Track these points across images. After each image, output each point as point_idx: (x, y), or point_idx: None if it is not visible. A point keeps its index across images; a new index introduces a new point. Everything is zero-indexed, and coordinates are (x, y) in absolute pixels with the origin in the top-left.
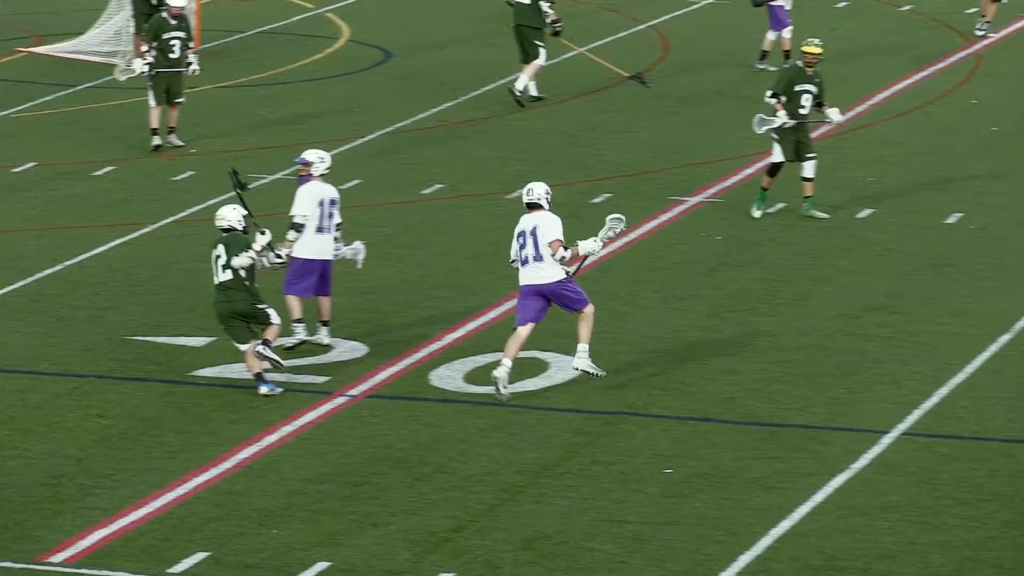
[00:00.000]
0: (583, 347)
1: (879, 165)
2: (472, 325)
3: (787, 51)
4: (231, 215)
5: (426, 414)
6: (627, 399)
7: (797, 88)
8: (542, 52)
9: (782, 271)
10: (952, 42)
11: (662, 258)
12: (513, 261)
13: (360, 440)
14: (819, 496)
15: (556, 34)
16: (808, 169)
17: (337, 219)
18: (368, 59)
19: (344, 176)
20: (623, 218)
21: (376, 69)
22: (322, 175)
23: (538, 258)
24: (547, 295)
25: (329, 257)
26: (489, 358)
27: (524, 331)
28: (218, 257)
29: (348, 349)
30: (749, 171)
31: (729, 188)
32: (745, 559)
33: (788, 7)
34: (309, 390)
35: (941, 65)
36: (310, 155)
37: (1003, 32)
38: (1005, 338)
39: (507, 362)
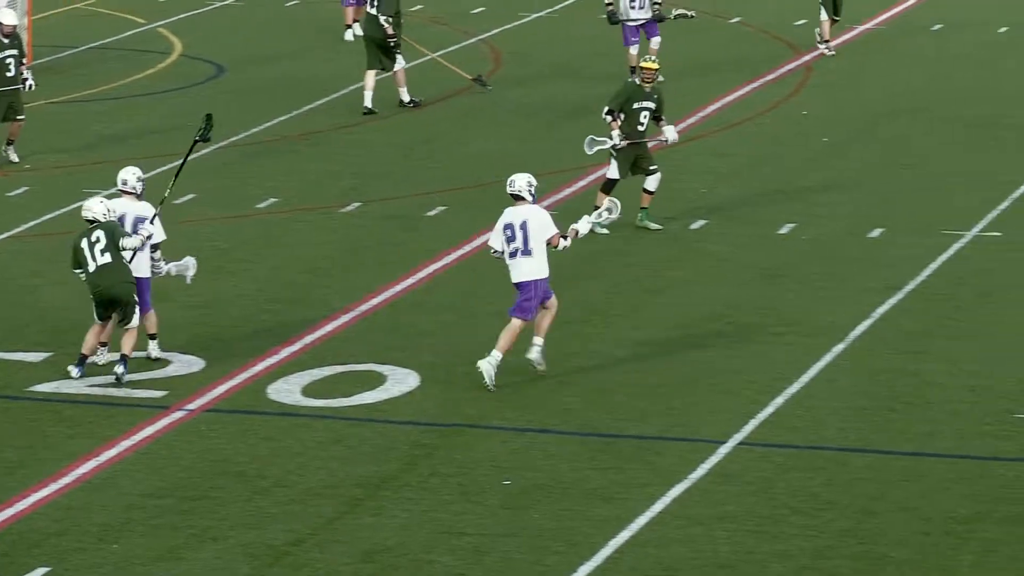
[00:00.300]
0: (540, 340)
1: (711, 177)
2: (309, 339)
3: (632, 67)
4: (97, 207)
5: (264, 428)
6: (465, 411)
7: (636, 106)
8: (399, 59)
9: (616, 283)
10: (782, 54)
11: (497, 270)
12: (496, 253)
13: (198, 454)
14: (657, 506)
15: (392, 48)
16: (651, 183)
17: (153, 235)
18: (201, 73)
19: (178, 191)
20: (618, 203)
21: (209, 83)
22: (129, 193)
23: (527, 252)
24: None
25: (145, 274)
26: (327, 371)
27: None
28: (96, 242)
29: (185, 363)
30: (582, 183)
31: (562, 200)
32: (585, 570)
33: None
34: (147, 405)
35: (771, 77)
36: (121, 173)
37: (832, 43)
38: (839, 347)
39: (497, 355)
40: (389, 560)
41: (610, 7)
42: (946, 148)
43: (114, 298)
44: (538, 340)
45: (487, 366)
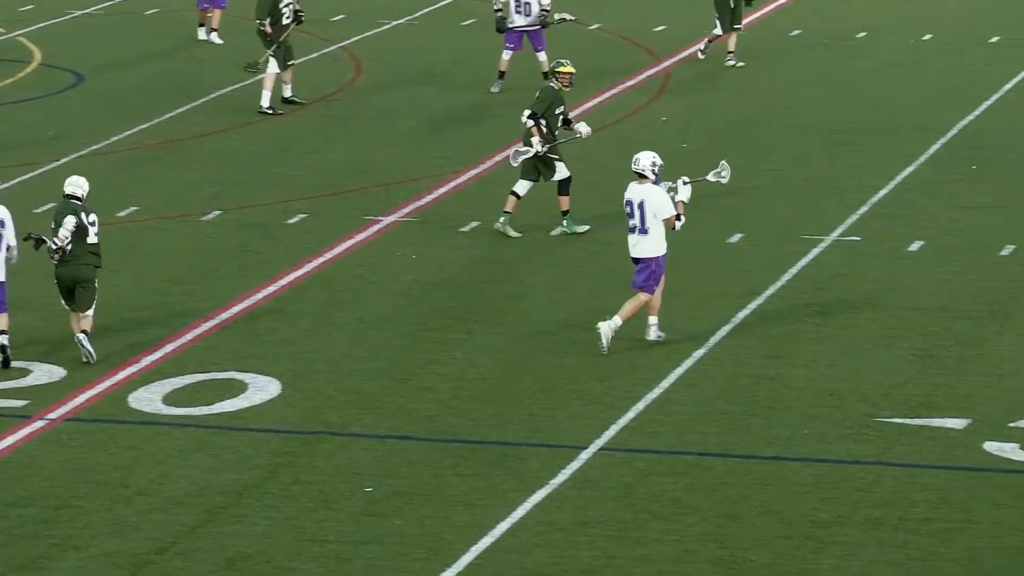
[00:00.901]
0: (619, 321)
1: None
2: (169, 347)
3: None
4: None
5: (126, 437)
6: (326, 418)
7: (557, 111)
8: (271, 62)
9: (479, 289)
10: (641, 60)
11: (358, 278)
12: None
13: (60, 463)
14: (519, 512)
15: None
16: (522, 187)
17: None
18: (60, 82)
19: (39, 199)
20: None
21: (69, 92)
22: None
23: (644, 231)
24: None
25: (2, 278)
26: (188, 380)
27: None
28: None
29: (46, 372)
30: (443, 189)
31: (424, 207)
32: None
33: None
34: (8, 414)
35: (630, 83)
36: None
37: (690, 49)
38: (699, 353)
39: (618, 320)
40: (252, 568)
41: (499, 13)
42: (805, 154)
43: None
44: (618, 321)
45: (607, 329)
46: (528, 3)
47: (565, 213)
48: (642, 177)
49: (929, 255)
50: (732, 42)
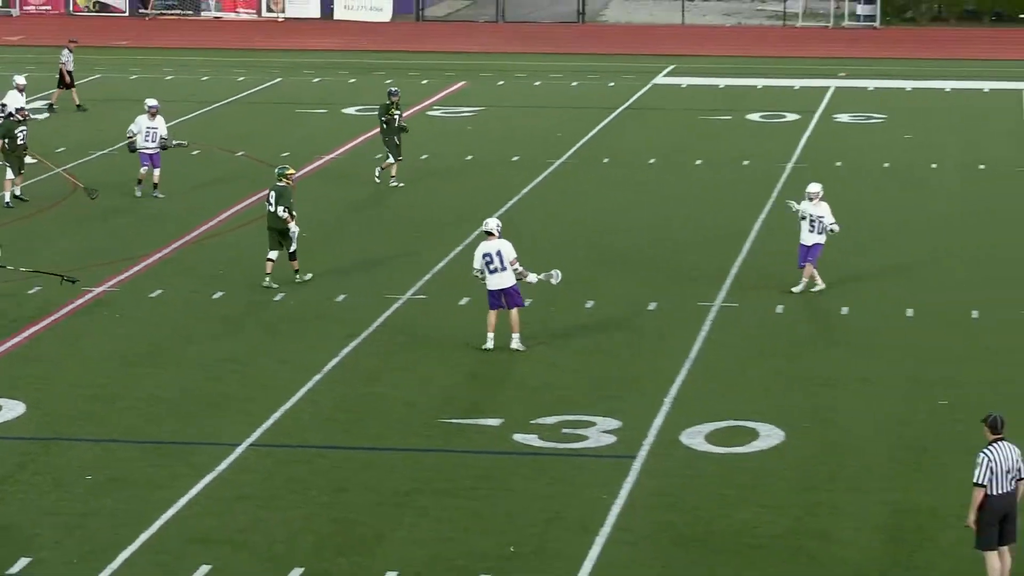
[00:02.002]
0: (517, 336)
1: (226, 263)
2: None
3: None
4: None
5: None
6: (58, 428)
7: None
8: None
9: (156, 337)
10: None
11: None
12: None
13: None
14: (194, 491)
15: None
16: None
17: None
18: None
19: None
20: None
21: None
22: None
23: (503, 269)
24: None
25: None
26: None
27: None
28: None
29: None
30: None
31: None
32: (144, 535)
33: (149, 150)
34: None
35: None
36: None
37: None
38: (317, 377)
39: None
40: (7, 536)
41: (131, 138)
42: (385, 228)
43: None
44: (517, 336)
45: (517, 344)
46: (152, 130)
47: (297, 271)
48: (490, 235)
49: (438, 300)
50: (395, 169)
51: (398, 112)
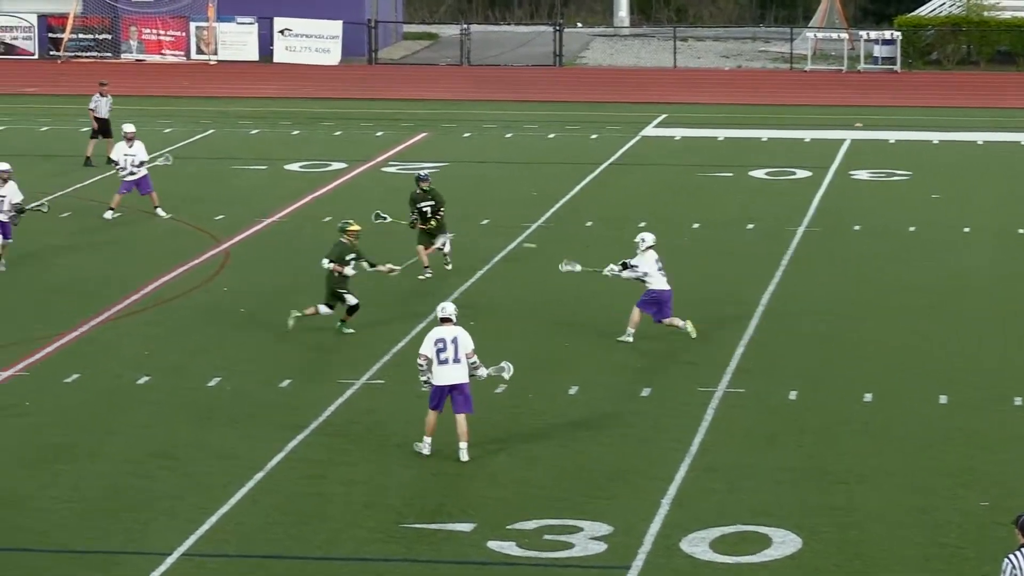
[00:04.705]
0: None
1: (151, 342)
2: None
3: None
4: None
5: None
6: None
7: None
8: None
9: (69, 422)
10: (206, 242)
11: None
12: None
13: None
14: None
15: None
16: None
17: None
18: None
19: None
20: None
21: None
22: None
23: (456, 360)
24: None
25: None
26: None
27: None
28: None
29: None
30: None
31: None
32: None
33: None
34: None
35: (197, 261)
36: None
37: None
38: (259, 475)
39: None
40: None
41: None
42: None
43: None
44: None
45: (463, 454)
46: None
47: (343, 321)
48: (446, 320)
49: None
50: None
51: (431, 203)
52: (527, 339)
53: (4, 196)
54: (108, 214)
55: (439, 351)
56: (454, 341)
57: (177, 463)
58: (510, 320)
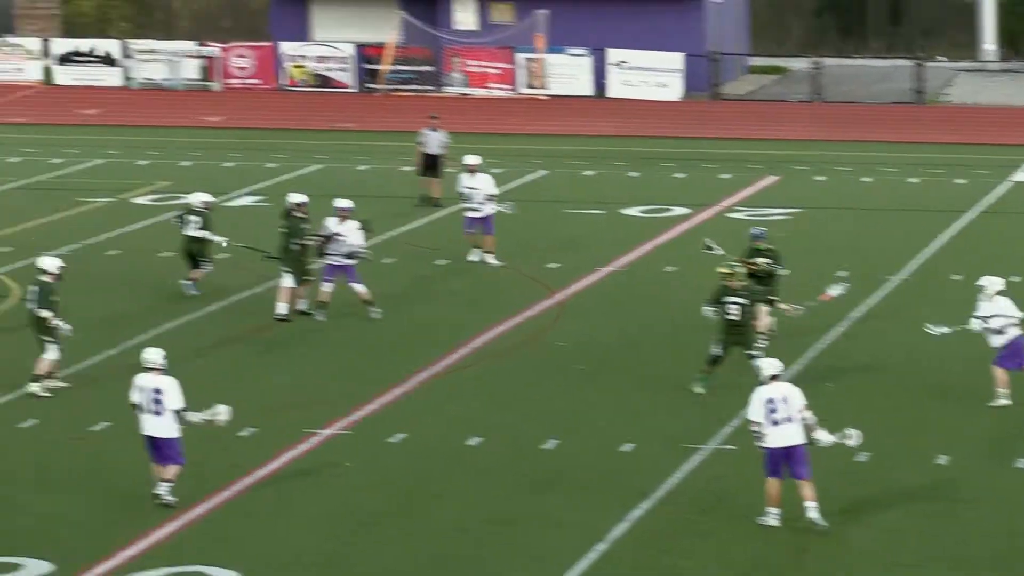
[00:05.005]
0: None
1: None
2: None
3: None
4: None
5: None
6: None
7: None
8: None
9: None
10: None
11: None
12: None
13: None
14: None
15: None
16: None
17: None
18: None
19: None
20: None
21: None
22: None
23: (790, 420)
24: None
25: None
26: None
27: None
28: None
29: None
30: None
31: None
32: None
33: None
34: None
35: None
36: None
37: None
38: (601, 546)
39: None
40: None
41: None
42: None
43: None
44: None
45: None
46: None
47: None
48: (774, 378)
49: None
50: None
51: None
52: (883, 411)
53: (343, 236)
54: (474, 256)
55: (770, 411)
56: (784, 399)
57: (512, 531)
58: (873, 378)
